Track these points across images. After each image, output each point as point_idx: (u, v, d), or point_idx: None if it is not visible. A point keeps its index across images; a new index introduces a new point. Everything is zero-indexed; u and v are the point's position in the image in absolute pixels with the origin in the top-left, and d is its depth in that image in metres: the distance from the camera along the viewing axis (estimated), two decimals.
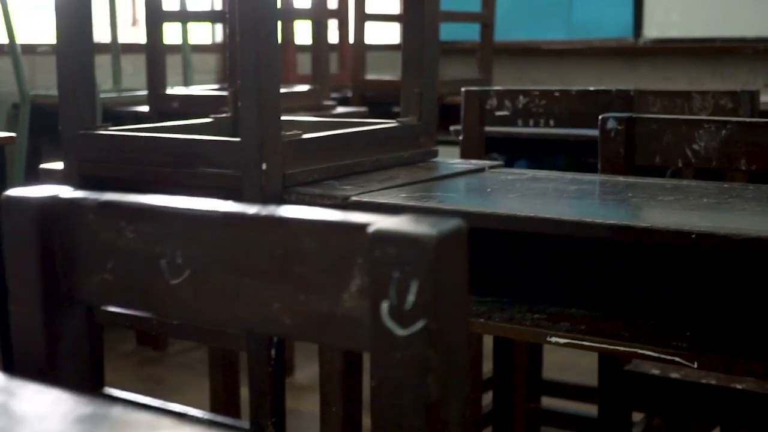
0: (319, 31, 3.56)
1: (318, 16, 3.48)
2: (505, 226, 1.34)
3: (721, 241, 1.18)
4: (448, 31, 5.75)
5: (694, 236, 1.20)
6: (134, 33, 4.89)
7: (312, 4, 3.53)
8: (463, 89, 2.46)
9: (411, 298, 0.67)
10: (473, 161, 1.86)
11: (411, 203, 1.43)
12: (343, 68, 4.78)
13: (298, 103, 3.47)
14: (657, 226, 1.22)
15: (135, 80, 4.26)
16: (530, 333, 1.38)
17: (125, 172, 1.70)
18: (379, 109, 4.54)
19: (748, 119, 1.79)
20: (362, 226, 0.70)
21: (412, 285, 0.67)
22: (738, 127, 1.78)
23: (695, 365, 1.25)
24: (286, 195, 1.57)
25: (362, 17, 4.45)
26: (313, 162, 1.62)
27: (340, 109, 3.64)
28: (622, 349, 1.30)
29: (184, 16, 3.92)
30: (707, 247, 1.19)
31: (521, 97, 2.36)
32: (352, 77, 4.49)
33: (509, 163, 2.86)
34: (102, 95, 3.75)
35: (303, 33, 4.43)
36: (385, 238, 0.68)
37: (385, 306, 0.68)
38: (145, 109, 3.55)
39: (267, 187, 1.53)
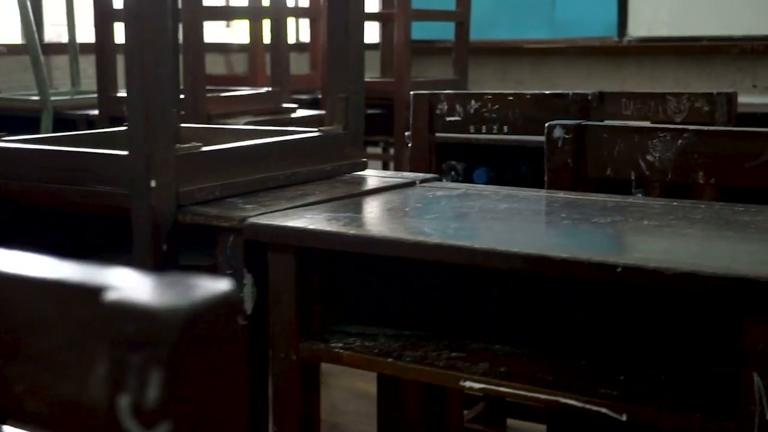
0: (278, 31, 3.39)
1: (276, 15, 3.31)
2: (408, 254, 1.17)
3: (649, 276, 1.01)
4: (426, 31, 5.58)
5: (619, 270, 1.02)
6: None
7: (270, 2, 3.36)
8: (411, 93, 2.28)
9: (152, 391, 0.50)
10: (405, 174, 1.69)
11: (311, 226, 1.26)
12: (315, 69, 4.62)
13: (255, 106, 3.30)
14: (578, 258, 1.05)
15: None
16: (442, 376, 1.20)
17: (12, 188, 1.53)
18: None
19: (705, 127, 1.62)
20: (98, 291, 0.53)
21: (154, 375, 0.50)
22: (695, 136, 1.60)
23: (624, 417, 1.08)
24: (181, 215, 1.40)
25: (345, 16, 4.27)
26: (214, 177, 1.44)
27: (301, 113, 3.47)
28: (542, 397, 1.13)
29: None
30: (634, 282, 1.02)
31: (473, 101, 2.19)
32: (322, 78, 4.31)
33: (469, 172, 2.68)
34: (54, 98, 3.58)
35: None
36: (122, 310, 0.51)
37: (124, 400, 0.51)
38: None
39: (158, 207, 1.36)
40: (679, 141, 1.61)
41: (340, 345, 1.30)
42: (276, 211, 1.36)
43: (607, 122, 1.92)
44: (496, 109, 2.16)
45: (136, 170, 1.36)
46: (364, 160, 1.70)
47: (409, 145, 2.28)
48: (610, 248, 1.11)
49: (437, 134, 2.27)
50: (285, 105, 3.41)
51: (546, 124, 1.73)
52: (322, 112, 3.61)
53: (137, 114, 1.34)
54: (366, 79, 4.34)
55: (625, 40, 5.18)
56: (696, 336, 1.29)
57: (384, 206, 1.42)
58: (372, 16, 4.59)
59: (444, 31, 5.52)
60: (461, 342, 1.30)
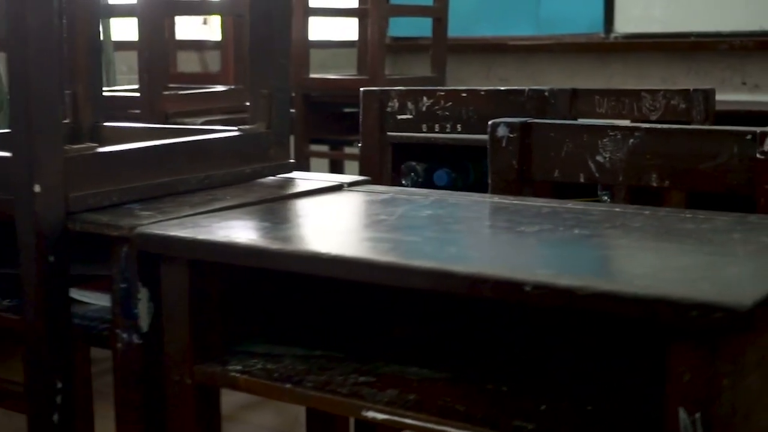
0: (242, 26, 3.25)
1: (233, 10, 3.17)
2: (299, 268, 1.04)
3: (560, 296, 0.88)
4: (409, 28, 5.45)
5: (528, 289, 0.89)
6: None
7: None
8: (361, 89, 2.15)
9: None
10: (334, 177, 1.55)
11: (201, 236, 1.12)
12: (293, 67, 4.48)
13: (216, 105, 3.17)
14: (482, 275, 0.92)
15: None
16: (343, 405, 1.07)
17: None
18: (325, 110, 4.24)
19: (658, 125, 1.48)
20: None
21: None
22: (647, 135, 1.47)
23: None
24: (71, 223, 1.26)
25: (305, 12, 4.14)
26: (112, 181, 1.31)
27: None
28: (450, 430, 0.99)
29: (104, 12, 3.61)
30: (545, 304, 0.89)
31: (425, 99, 2.05)
32: (294, 76, 4.17)
33: (430, 173, 2.55)
34: None
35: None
36: None
37: None
38: None
39: (43, 214, 1.23)
40: (631, 140, 1.48)
41: (239, 368, 1.17)
42: (173, 218, 1.23)
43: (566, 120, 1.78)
44: (450, 107, 2.03)
45: (19, 174, 1.23)
46: (291, 161, 1.57)
47: (359, 145, 2.15)
48: (524, 263, 0.98)
49: (389, 134, 2.14)
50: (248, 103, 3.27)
51: (489, 122, 1.60)
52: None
53: (18, 112, 1.21)
54: (339, 77, 4.21)
55: (612, 37, 5.04)
56: (635, 356, 1.15)
57: (296, 213, 1.29)
58: (347, 12, 4.45)
59: (427, 28, 5.38)
60: (374, 364, 1.17)
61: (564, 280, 0.88)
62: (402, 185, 2.63)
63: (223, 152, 1.47)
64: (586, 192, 2.40)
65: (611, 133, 1.49)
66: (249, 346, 1.25)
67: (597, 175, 1.52)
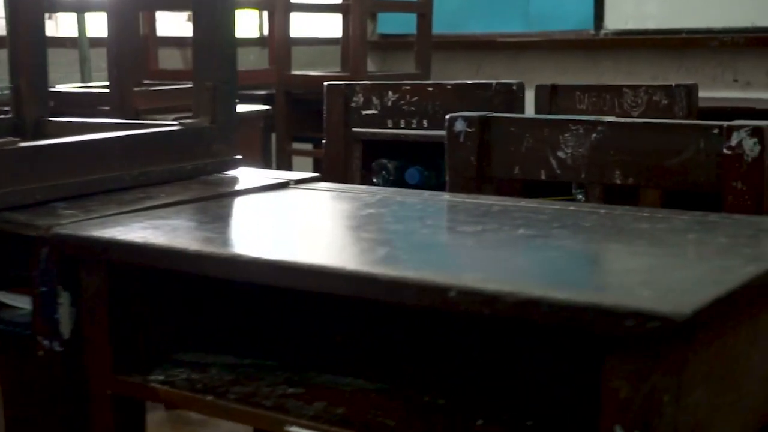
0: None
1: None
2: (218, 271, 0.96)
3: (487, 302, 0.79)
4: (396, 24, 5.37)
5: (452, 294, 0.81)
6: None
7: None
8: (325, 84, 2.07)
9: None
10: (282, 174, 1.47)
11: (119, 236, 1.04)
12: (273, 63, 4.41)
13: (188, 101, 3.07)
14: (404, 279, 0.84)
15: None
16: (266, 419, 0.99)
17: None
18: (307, 107, 4.16)
19: (620, 119, 1.40)
20: None
21: None
22: (610, 129, 1.39)
23: None
24: None
25: (287, 7, 4.06)
26: (36, 178, 1.23)
27: (241, 108, 3.25)
28: None
29: (78, 6, 3.54)
30: (472, 310, 0.81)
31: (390, 93, 1.97)
32: (276, 73, 4.09)
33: (402, 170, 2.47)
34: None
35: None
36: None
37: None
38: None
39: None
40: (593, 135, 1.40)
41: (161, 378, 1.09)
42: (96, 218, 1.15)
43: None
44: (415, 102, 1.95)
45: None
46: (238, 157, 1.49)
47: (323, 141, 2.07)
48: (455, 266, 0.90)
49: (355, 130, 2.06)
50: None
51: (447, 117, 1.52)
52: (266, 107, 3.40)
53: None
54: (321, 74, 4.13)
55: (602, 34, 4.96)
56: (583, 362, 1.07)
57: (228, 212, 1.21)
58: (330, 8, 4.37)
59: (411, 25, 5.30)
60: (306, 374, 1.09)
61: (492, 285, 0.80)
62: (373, 183, 2.55)
63: (162, 148, 1.39)
64: (561, 190, 2.32)
65: (573, 128, 1.41)
66: (180, 354, 1.17)
67: (558, 172, 1.44)
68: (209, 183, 1.39)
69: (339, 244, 1.01)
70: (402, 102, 1.96)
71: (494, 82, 1.87)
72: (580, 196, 2.16)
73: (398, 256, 0.94)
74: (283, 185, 1.38)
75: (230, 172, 1.47)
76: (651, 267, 0.87)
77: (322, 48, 5.24)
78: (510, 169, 1.47)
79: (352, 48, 3.83)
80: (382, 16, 5.52)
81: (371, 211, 1.19)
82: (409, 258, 0.94)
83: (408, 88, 1.96)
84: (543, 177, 1.45)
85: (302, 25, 5.60)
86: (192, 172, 1.42)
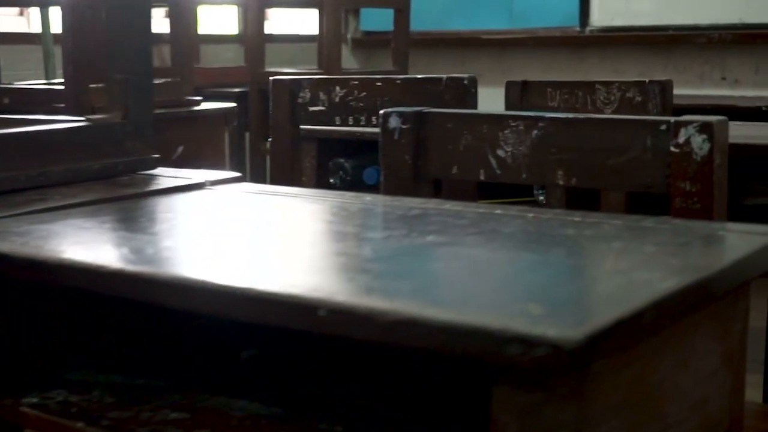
0: (178, 17, 3.07)
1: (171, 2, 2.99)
2: (81, 282, 0.85)
3: (359, 324, 0.68)
4: (379, 21, 5.25)
5: (323, 314, 0.70)
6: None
7: None
8: (271, 79, 1.97)
9: None
10: (200, 174, 1.36)
11: None
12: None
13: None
14: (272, 295, 0.73)
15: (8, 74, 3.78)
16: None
17: None
18: None
19: (562, 115, 1.29)
20: None
21: None
22: (552, 125, 1.28)
23: None
24: None
25: (261, 3, 3.95)
26: None
27: (207, 105, 3.14)
28: None
29: (41, 1, 3.43)
30: (343, 332, 0.70)
31: (338, 88, 1.86)
32: (249, 71, 3.99)
33: (359, 171, 2.36)
34: None
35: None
36: None
37: None
38: None
39: None
40: (534, 132, 1.29)
41: (35, 401, 0.98)
42: None
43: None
44: (364, 97, 1.84)
45: None
46: (155, 156, 1.38)
47: (269, 140, 1.96)
48: (334, 280, 0.79)
49: (301, 127, 1.95)
50: (189, 98, 3.09)
51: (381, 112, 1.41)
52: (231, 104, 3.29)
53: None
54: (296, 71, 4.02)
55: (587, 30, 4.85)
56: None
57: (122, 217, 1.10)
58: (306, 3, 4.25)
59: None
60: (199, 396, 0.98)
61: (367, 302, 0.69)
62: (330, 184, 2.44)
63: (65, 145, 1.28)
64: (523, 191, 2.21)
65: (513, 124, 1.30)
66: (70, 373, 1.06)
67: (498, 172, 1.32)
68: (116, 184, 1.28)
69: (218, 253, 0.90)
70: (350, 98, 1.85)
71: (444, 76, 1.76)
72: (542, 197, 2.06)
73: (274, 269, 0.83)
74: (198, 186, 1.27)
75: (146, 172, 1.36)
76: (554, 281, 0.76)
77: (303, 45, 5.14)
78: (447, 168, 1.36)
79: (325, 44, 3.72)
80: (365, 13, 5.41)
81: (273, 214, 1.08)
82: (287, 271, 0.83)
83: (356, 83, 1.85)
84: (482, 177, 1.34)
85: (284, 22, 5.50)
86: (100, 172, 1.31)
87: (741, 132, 2.07)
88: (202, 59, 4.71)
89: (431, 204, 1.12)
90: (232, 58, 4.80)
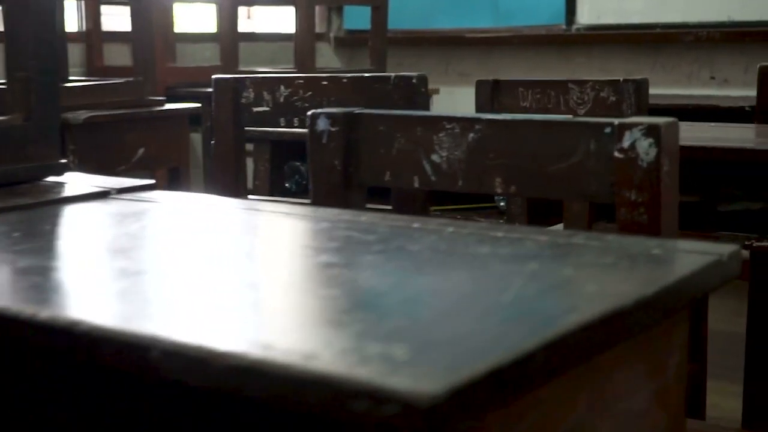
0: (138, 15, 2.95)
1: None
2: None
3: (190, 369, 0.57)
4: (362, 19, 5.13)
5: (155, 354, 0.58)
6: None
7: None
8: (213, 77, 1.85)
9: None
10: (107, 181, 1.24)
11: None
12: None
13: (109, 98, 2.86)
14: (99, 331, 0.61)
15: None
16: None
17: None
18: None
19: (500, 116, 1.17)
20: None
21: None
22: (489, 128, 1.16)
23: None
24: None
25: (235, 1, 3.84)
26: None
27: (171, 106, 3.03)
28: None
29: None
30: (175, 376, 0.58)
31: (282, 87, 1.75)
32: (222, 69, 3.87)
33: None
34: None
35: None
36: None
37: None
38: None
39: None
40: (470, 135, 1.17)
41: None
42: None
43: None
44: (309, 97, 1.72)
45: None
46: (62, 161, 1.26)
47: (212, 142, 1.84)
48: (182, 312, 0.67)
49: (254, 129, 1.84)
50: (152, 97, 2.98)
51: (308, 113, 1.29)
52: (196, 105, 3.18)
53: None
54: (269, 71, 3.90)
55: (574, 29, 4.74)
56: None
57: (2, 230, 0.98)
58: (281, 1, 4.13)
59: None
60: None
61: (206, 342, 0.58)
62: (285, 189, 2.33)
63: None
64: (484, 196, 2.10)
65: (448, 126, 1.19)
66: None
67: (433, 178, 1.21)
68: (13, 193, 1.16)
69: (66, 277, 0.78)
70: (295, 98, 1.73)
71: (393, 75, 1.64)
72: (503, 203, 1.94)
73: (108, 300, 0.71)
74: (101, 195, 1.15)
75: (51, 180, 1.25)
76: (436, 315, 0.64)
77: (284, 44, 5.02)
78: (380, 175, 1.25)
79: (297, 43, 3.61)
80: (348, 11, 5.29)
81: (155, 228, 0.96)
82: (124, 303, 0.71)
83: (301, 81, 1.73)
84: (416, 184, 1.23)
85: (268, 20, 5.39)
86: None
87: (712, 134, 1.96)
88: (179, 58, 4.61)
89: (346, 216, 1.00)
90: (210, 57, 4.69)
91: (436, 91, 4.47)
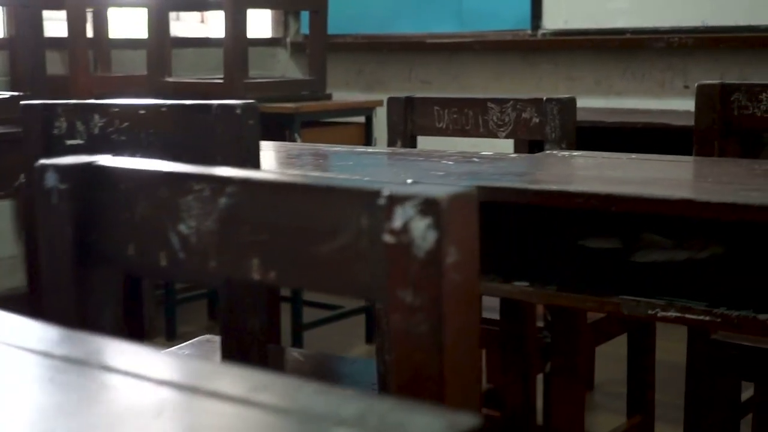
0: (31, 20, 2.66)
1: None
2: None
3: None
4: (347, 24, 4.81)
5: None
6: None
7: None
8: (21, 103, 1.54)
9: None
10: None
11: None
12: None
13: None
14: None
15: None
16: None
17: None
18: None
19: (260, 175, 0.86)
20: None
21: None
22: (244, 190, 0.85)
23: None
24: None
25: (162, 5, 3.53)
26: None
27: None
28: None
29: None
30: None
31: (96, 117, 1.44)
32: (149, 78, 3.57)
33: None
34: None
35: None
36: None
37: None
38: None
39: None
40: (222, 200, 0.86)
41: None
42: None
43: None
44: (126, 128, 1.42)
45: None
46: None
47: (23, 181, 1.54)
48: None
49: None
50: None
51: (36, 165, 0.99)
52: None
53: None
54: (198, 80, 3.59)
55: (540, 34, 4.42)
56: None
57: None
58: (209, 6, 3.81)
59: (350, 25, 4.81)
60: None
61: None
62: None
63: None
64: None
65: (197, 187, 0.87)
66: None
67: (182, 256, 0.90)
68: None
69: None
70: (110, 129, 1.43)
71: (215, 103, 1.33)
72: None
73: None
74: None
75: None
76: None
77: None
78: (122, 248, 0.94)
79: (225, 51, 3.30)
80: (306, 16, 4.98)
81: None
82: None
83: (117, 110, 1.42)
84: (164, 263, 0.91)
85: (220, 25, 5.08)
86: None
87: (635, 172, 1.65)
88: (116, 65, 4.31)
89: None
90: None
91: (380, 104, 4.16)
